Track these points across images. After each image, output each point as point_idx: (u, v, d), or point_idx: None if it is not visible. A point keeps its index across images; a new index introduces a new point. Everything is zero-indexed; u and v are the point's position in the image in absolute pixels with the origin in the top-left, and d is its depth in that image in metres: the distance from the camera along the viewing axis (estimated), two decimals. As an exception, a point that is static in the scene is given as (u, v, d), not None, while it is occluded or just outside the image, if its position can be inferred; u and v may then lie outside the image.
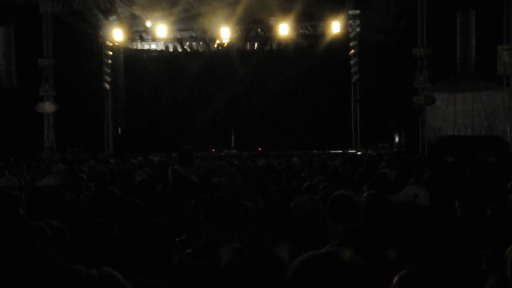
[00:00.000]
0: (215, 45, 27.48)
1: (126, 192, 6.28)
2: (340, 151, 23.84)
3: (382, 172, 6.58)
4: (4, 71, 24.05)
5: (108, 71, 27.84)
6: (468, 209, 4.37)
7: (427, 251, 2.75)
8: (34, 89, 24.34)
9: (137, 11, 26.16)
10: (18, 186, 6.82)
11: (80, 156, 22.43)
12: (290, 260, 1.89)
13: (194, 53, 28.06)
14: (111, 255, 3.75)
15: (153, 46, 28.52)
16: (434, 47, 22.76)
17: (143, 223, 3.98)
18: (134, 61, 28.65)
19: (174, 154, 19.38)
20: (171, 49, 28.17)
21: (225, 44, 27.16)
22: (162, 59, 28.56)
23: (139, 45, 28.43)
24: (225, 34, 26.44)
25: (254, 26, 27.11)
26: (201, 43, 27.81)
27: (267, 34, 27.21)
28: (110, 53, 27.87)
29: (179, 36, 27.58)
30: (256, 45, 27.81)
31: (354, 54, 26.55)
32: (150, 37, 27.50)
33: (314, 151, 23.36)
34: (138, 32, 27.60)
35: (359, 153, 23.08)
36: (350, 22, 26.07)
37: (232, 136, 27.20)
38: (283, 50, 27.52)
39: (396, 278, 1.99)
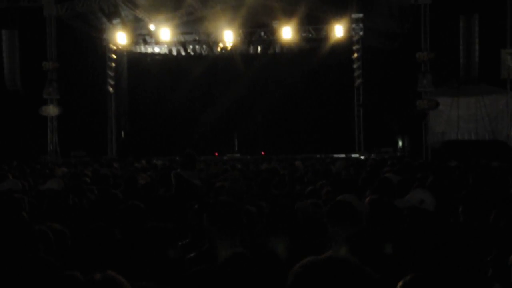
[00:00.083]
0: (219, 49, 27.50)
1: (129, 196, 6.28)
2: (343, 155, 23.82)
3: (385, 177, 6.56)
4: (8, 74, 24.10)
5: (112, 74, 27.89)
6: (472, 215, 4.36)
7: (432, 257, 2.74)
8: (38, 92, 24.39)
9: (140, 14, 26.23)
10: (22, 189, 6.82)
11: (84, 159, 22.46)
12: (292, 264, 1.89)
13: (198, 57, 28.09)
14: (113, 259, 3.75)
15: (157, 50, 28.56)
16: (438, 51, 22.74)
17: (146, 227, 3.97)
18: (138, 64, 28.70)
19: (177, 158, 19.40)
20: (174, 53, 28.22)
21: (229, 48, 27.20)
22: (166, 63, 28.60)
23: (142, 49, 28.48)
24: (228, 37, 26.47)
25: (257, 30, 27.15)
26: (204, 46, 27.85)
27: (270, 38, 27.24)
28: (114, 56, 27.93)
29: (182, 39, 27.63)
30: (259, 48, 27.83)
31: (357, 57, 26.54)
32: (153, 41, 27.54)
33: (317, 155, 23.35)
34: (141, 36, 27.65)
35: (362, 157, 23.06)
36: (353, 25, 26.07)
37: (235, 140, 27.21)
38: (286, 54, 27.54)
39: (400, 283, 1.99)
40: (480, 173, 6.73)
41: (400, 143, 25.10)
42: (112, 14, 25.63)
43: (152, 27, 26.75)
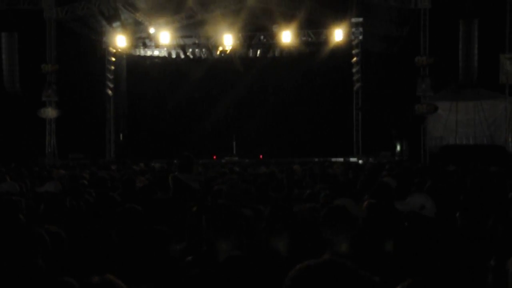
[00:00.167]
0: (218, 52, 27.54)
1: (127, 199, 6.27)
2: (342, 159, 23.81)
3: (384, 181, 6.55)
4: (7, 76, 24.09)
5: (111, 77, 27.90)
6: (470, 220, 4.35)
7: (431, 263, 2.73)
8: (37, 94, 24.39)
9: (140, 17, 26.27)
10: (19, 191, 6.81)
11: (82, 161, 22.44)
12: (290, 267, 1.89)
13: (197, 60, 28.13)
14: (110, 262, 3.74)
15: (156, 53, 28.59)
16: (437, 55, 22.78)
17: (144, 230, 3.97)
18: (137, 67, 28.71)
19: (175, 161, 19.37)
20: (174, 56, 28.26)
21: (228, 51, 27.23)
22: (165, 66, 28.63)
23: (142, 52, 28.50)
24: (228, 41, 26.51)
25: (257, 34, 27.21)
26: (204, 50, 27.89)
27: (270, 41, 27.29)
28: (113, 59, 27.94)
29: (182, 42, 27.67)
30: (258, 52, 27.86)
31: (357, 62, 26.57)
32: (153, 44, 27.58)
33: (316, 159, 23.34)
34: (141, 39, 27.69)
35: (360, 161, 23.05)
36: (353, 30, 26.11)
37: (234, 143, 27.20)
38: (285, 58, 27.58)
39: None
40: (478, 178, 6.73)
41: (398, 147, 25.11)
42: (112, 17, 25.67)
43: (151, 30, 26.79)
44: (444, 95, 23.64)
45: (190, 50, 27.88)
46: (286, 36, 25.92)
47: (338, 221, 3.70)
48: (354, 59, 26.68)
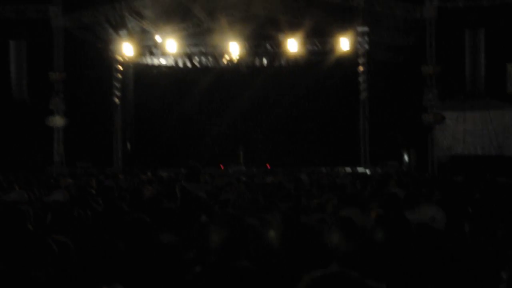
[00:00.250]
0: (225, 61, 27.59)
1: (135, 208, 6.27)
2: (349, 168, 23.76)
3: (392, 192, 6.54)
4: (15, 84, 24.21)
5: (118, 85, 27.97)
6: (479, 232, 4.32)
7: (442, 275, 2.71)
8: (44, 102, 24.48)
9: (147, 26, 26.37)
10: (28, 200, 6.83)
11: (89, 170, 22.48)
12: (297, 278, 1.88)
13: (204, 69, 28.16)
14: (117, 271, 3.73)
15: (162, 61, 28.65)
16: (443, 65, 22.70)
17: (151, 240, 3.96)
18: (144, 76, 28.76)
19: (182, 170, 19.39)
20: (180, 64, 28.32)
21: (235, 60, 27.29)
22: (172, 74, 28.66)
23: (149, 60, 28.57)
24: (234, 49, 26.58)
25: (263, 42, 27.26)
26: (210, 58, 27.94)
27: (276, 50, 27.34)
28: (120, 67, 28.02)
29: (188, 51, 27.75)
30: (265, 61, 27.90)
31: (363, 71, 26.55)
32: (159, 52, 27.66)
33: (323, 168, 23.29)
34: (148, 47, 27.77)
35: (367, 171, 22.98)
36: (359, 39, 26.12)
37: (241, 153, 27.18)
38: (292, 66, 27.57)
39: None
40: (487, 189, 6.69)
41: (406, 157, 25.01)
42: (119, 25, 25.79)
43: (158, 38, 26.87)
44: (451, 105, 23.56)
45: (197, 58, 27.95)
46: (292, 45, 25.97)
47: (345, 231, 3.69)
48: (360, 68, 26.66)
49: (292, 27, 25.71)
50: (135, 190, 7.47)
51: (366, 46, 26.12)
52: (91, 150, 25.27)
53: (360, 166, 25.27)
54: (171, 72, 28.73)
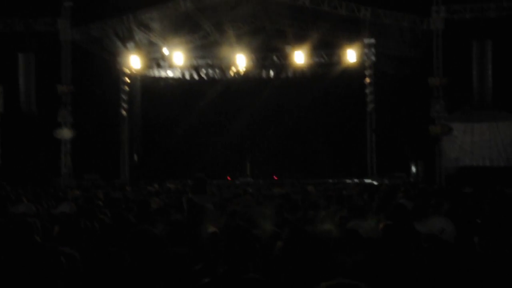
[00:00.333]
0: (231, 73, 27.69)
1: (142, 220, 6.27)
2: (356, 180, 23.70)
3: (400, 203, 6.51)
4: (24, 97, 24.35)
5: (125, 98, 28.09)
6: (489, 245, 4.28)
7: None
8: (52, 115, 24.59)
9: (154, 38, 26.52)
10: (36, 213, 6.84)
11: (97, 182, 22.52)
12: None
13: (211, 81, 28.27)
14: (124, 283, 3.73)
15: (170, 73, 28.78)
16: (450, 76, 22.65)
17: (160, 252, 3.95)
18: (151, 88, 28.88)
19: (189, 181, 19.40)
20: (187, 77, 28.45)
21: (241, 72, 27.38)
22: (179, 87, 28.78)
23: (156, 72, 28.71)
24: (241, 61, 26.68)
25: (270, 54, 27.37)
26: (217, 70, 28.06)
27: (282, 62, 27.43)
28: (128, 80, 28.16)
29: (195, 63, 27.88)
30: (272, 73, 27.98)
31: (370, 83, 26.56)
32: (167, 64, 27.79)
33: (330, 180, 23.25)
34: (155, 59, 27.92)
35: (375, 182, 22.90)
36: (366, 50, 26.15)
37: (248, 164, 27.18)
38: (298, 78, 27.63)
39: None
40: (496, 200, 6.65)
41: (413, 169, 24.92)
42: (126, 38, 25.93)
43: (165, 51, 27.00)
44: (458, 117, 23.49)
45: (204, 71, 28.07)
46: (299, 57, 26.04)
47: (351, 243, 3.68)
48: (367, 80, 26.67)
49: (299, 39, 25.80)
50: (142, 202, 7.47)
51: (373, 58, 26.14)
52: (98, 162, 25.35)
53: (367, 177, 25.20)
54: (178, 84, 28.85)
